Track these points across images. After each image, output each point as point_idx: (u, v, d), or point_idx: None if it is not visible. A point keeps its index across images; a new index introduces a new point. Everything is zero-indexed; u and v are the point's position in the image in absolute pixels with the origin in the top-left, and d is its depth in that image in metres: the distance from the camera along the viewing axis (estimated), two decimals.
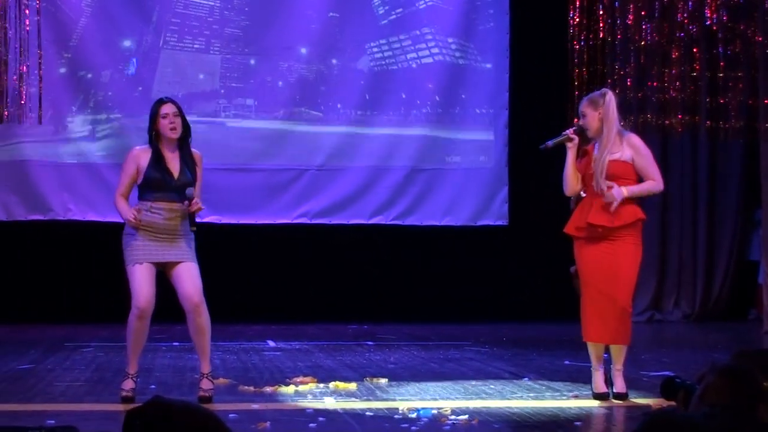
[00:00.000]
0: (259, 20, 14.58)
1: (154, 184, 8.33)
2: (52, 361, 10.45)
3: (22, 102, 13.48)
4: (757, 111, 13.56)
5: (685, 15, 13.28)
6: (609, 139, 8.16)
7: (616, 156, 8.16)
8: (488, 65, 15.01)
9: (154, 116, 8.29)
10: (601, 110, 8.18)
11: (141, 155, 8.30)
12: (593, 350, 8.32)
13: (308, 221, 14.75)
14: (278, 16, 14.63)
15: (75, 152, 14.22)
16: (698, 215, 15.15)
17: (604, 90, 8.52)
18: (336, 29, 14.77)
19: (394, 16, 14.87)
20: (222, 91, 14.64)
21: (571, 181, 8.33)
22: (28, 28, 12.56)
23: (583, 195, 9.54)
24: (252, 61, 14.68)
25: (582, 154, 8.31)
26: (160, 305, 14.18)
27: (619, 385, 8.25)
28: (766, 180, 13.80)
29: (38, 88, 13.65)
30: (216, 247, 14.53)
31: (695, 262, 15.02)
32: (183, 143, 8.36)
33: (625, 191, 8.10)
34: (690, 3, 13.29)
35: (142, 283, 8.31)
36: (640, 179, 8.23)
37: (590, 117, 8.21)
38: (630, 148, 8.24)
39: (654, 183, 8.28)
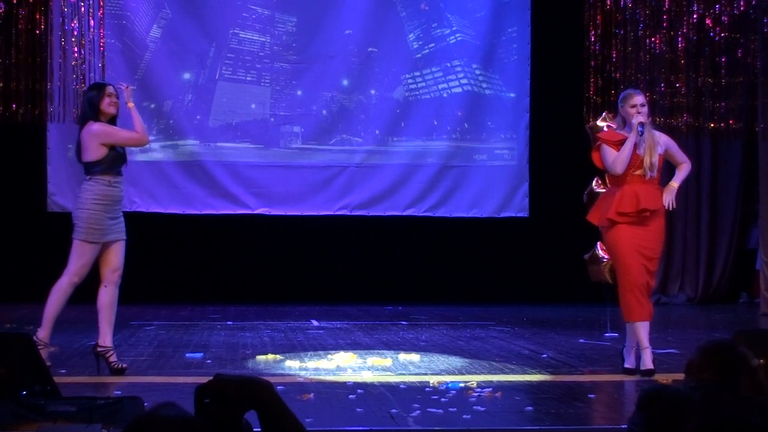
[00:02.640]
0: (306, 54, 14.64)
1: (119, 159, 8.34)
2: (118, 338, 10.44)
3: None
4: (755, 113, 13.49)
5: (691, 27, 13.20)
6: (653, 133, 8.25)
7: (660, 151, 8.22)
8: (512, 94, 15.03)
9: (99, 97, 8.26)
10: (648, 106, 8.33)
11: None
12: (641, 329, 8.10)
13: (348, 213, 14.78)
14: (323, 50, 14.68)
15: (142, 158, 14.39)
16: (701, 208, 15.09)
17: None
18: (375, 63, 14.81)
19: (426, 51, 14.90)
20: (272, 119, 14.70)
21: (627, 162, 8.14)
22: (100, 64, 12.63)
23: (597, 189, 9.58)
24: (299, 92, 14.73)
25: (620, 142, 8.22)
26: (214, 287, 14.29)
27: (648, 362, 8.08)
28: (763, 175, 13.75)
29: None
30: (266, 236, 14.62)
31: (698, 250, 14.97)
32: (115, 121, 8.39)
33: (676, 185, 8.20)
34: (695, 16, 13.21)
35: (91, 261, 8.13)
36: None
37: (647, 107, 8.28)
38: (664, 143, 8.31)
39: (688, 165, 8.39)
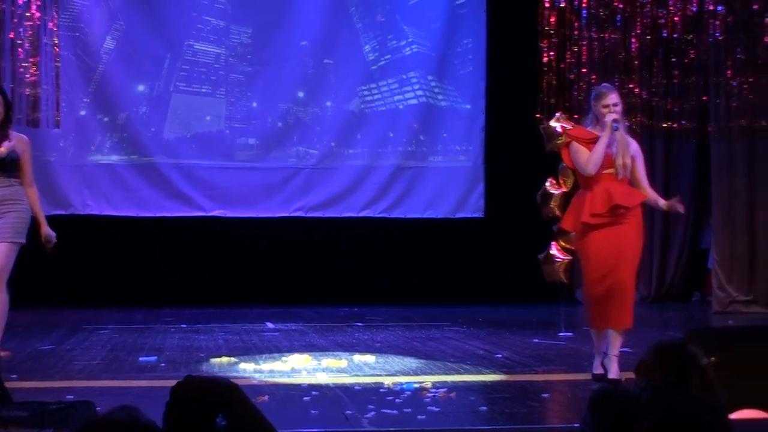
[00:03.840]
0: (261, 66, 14.62)
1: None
2: (71, 342, 10.44)
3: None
4: (708, 113, 13.59)
5: (645, 28, 13.28)
6: (625, 136, 7.95)
7: (632, 153, 7.93)
8: (467, 106, 15.07)
9: None
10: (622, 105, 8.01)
11: None
12: (598, 336, 7.90)
13: (304, 214, 14.77)
14: (278, 62, 14.65)
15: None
16: (655, 208, 15.17)
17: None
18: (330, 74, 14.79)
19: (383, 62, 14.91)
20: (227, 131, 14.65)
21: (600, 162, 7.86)
22: (54, 74, 12.59)
23: (550, 190, 9.53)
24: (254, 104, 14.69)
25: (591, 140, 7.92)
26: (168, 290, 14.23)
27: (615, 371, 7.71)
28: (716, 175, 13.86)
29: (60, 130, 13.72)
30: (221, 238, 14.57)
31: (651, 249, 15.04)
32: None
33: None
34: (648, 19, 13.29)
35: None
36: None
37: (621, 105, 7.97)
38: (635, 151, 7.99)
39: (651, 192, 8.11)
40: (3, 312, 8.31)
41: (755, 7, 13.00)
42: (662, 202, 8.09)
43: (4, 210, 8.32)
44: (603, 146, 7.81)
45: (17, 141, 8.38)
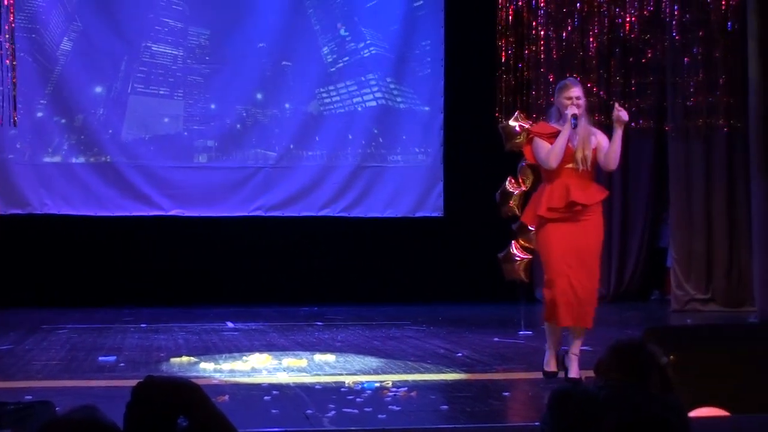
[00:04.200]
0: (218, 67, 14.58)
1: None
2: (30, 342, 10.37)
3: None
4: (665, 113, 13.67)
5: (603, 27, 13.35)
6: (588, 127, 7.81)
7: (594, 144, 7.75)
8: (426, 108, 15.09)
9: None
10: (584, 98, 7.88)
11: None
12: (553, 332, 7.72)
13: (263, 213, 14.75)
14: (235, 63, 14.62)
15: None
16: (613, 206, 15.16)
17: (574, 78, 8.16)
18: (288, 76, 14.77)
19: (341, 64, 14.90)
20: (185, 133, 14.60)
21: (561, 155, 7.72)
22: (10, 75, 12.49)
23: (510, 189, 9.52)
24: (212, 106, 14.64)
25: (552, 135, 7.76)
26: (127, 290, 14.16)
27: (575, 371, 7.57)
28: (674, 175, 13.93)
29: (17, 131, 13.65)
30: (180, 238, 14.52)
31: (610, 248, 15.07)
32: None
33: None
34: (606, 19, 13.36)
35: None
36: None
37: (584, 101, 7.85)
38: (600, 135, 7.85)
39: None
40: None
41: (710, 6, 13.08)
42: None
43: None
44: (564, 139, 7.67)
45: None
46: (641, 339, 4.80)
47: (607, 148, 7.82)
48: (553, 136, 7.81)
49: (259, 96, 14.79)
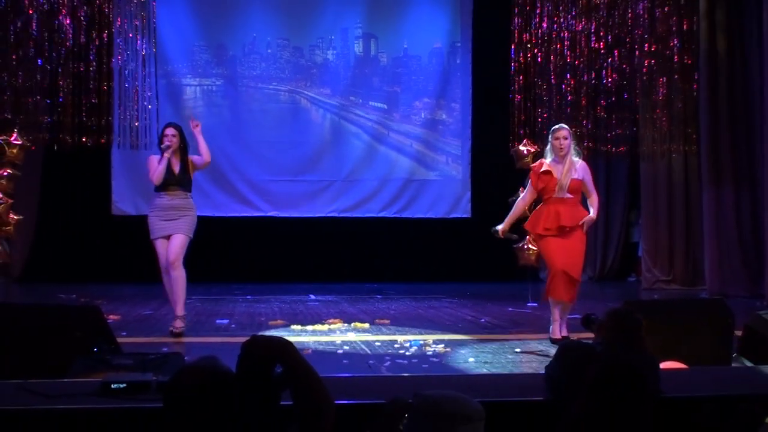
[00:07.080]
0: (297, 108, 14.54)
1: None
2: (165, 309, 10.44)
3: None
4: (637, 140, 13.52)
5: (591, 77, 13.21)
6: (572, 161, 7.75)
7: (575, 175, 7.71)
8: (457, 142, 14.96)
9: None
10: (570, 139, 7.80)
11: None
12: (560, 307, 7.74)
13: (338, 215, 14.75)
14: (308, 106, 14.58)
15: None
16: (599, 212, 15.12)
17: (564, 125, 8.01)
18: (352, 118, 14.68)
19: (396, 115, 14.79)
20: (279, 155, 14.55)
21: (522, 213, 8.12)
22: (150, 106, 12.61)
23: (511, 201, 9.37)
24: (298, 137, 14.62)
25: (545, 172, 7.74)
26: (239, 270, 14.15)
27: (564, 330, 7.74)
28: (644, 187, 13.84)
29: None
30: (275, 232, 14.55)
31: (596, 241, 15.00)
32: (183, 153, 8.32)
33: (594, 216, 7.75)
34: (594, 71, 13.21)
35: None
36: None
37: (569, 141, 7.77)
38: (582, 170, 7.77)
39: (596, 197, 7.90)
40: (184, 283, 8.29)
41: (675, 61, 12.93)
42: (587, 218, 7.79)
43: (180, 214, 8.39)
44: (523, 209, 8.06)
45: None
46: (630, 309, 4.75)
47: (588, 183, 7.89)
48: (545, 173, 7.76)
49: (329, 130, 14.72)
